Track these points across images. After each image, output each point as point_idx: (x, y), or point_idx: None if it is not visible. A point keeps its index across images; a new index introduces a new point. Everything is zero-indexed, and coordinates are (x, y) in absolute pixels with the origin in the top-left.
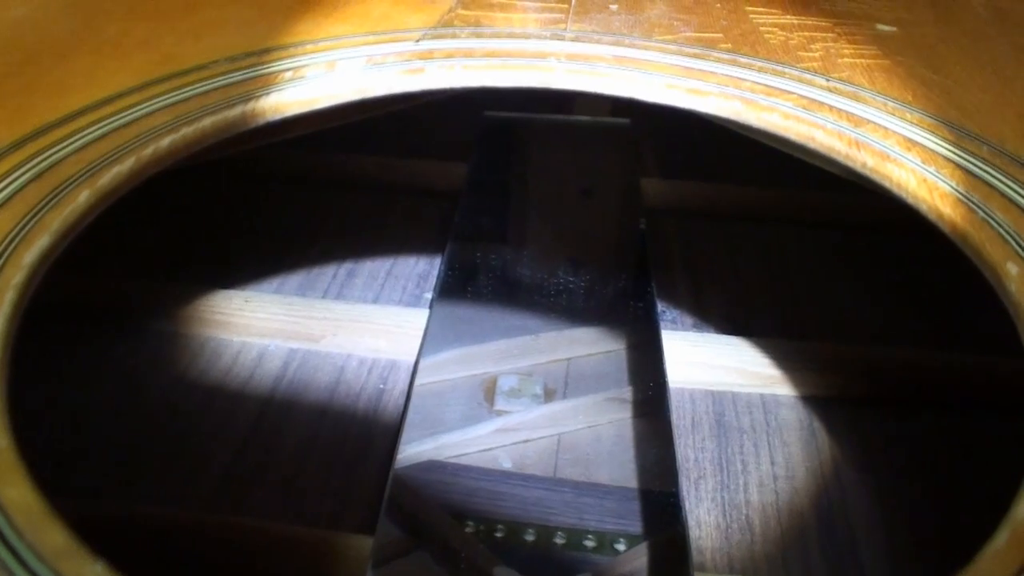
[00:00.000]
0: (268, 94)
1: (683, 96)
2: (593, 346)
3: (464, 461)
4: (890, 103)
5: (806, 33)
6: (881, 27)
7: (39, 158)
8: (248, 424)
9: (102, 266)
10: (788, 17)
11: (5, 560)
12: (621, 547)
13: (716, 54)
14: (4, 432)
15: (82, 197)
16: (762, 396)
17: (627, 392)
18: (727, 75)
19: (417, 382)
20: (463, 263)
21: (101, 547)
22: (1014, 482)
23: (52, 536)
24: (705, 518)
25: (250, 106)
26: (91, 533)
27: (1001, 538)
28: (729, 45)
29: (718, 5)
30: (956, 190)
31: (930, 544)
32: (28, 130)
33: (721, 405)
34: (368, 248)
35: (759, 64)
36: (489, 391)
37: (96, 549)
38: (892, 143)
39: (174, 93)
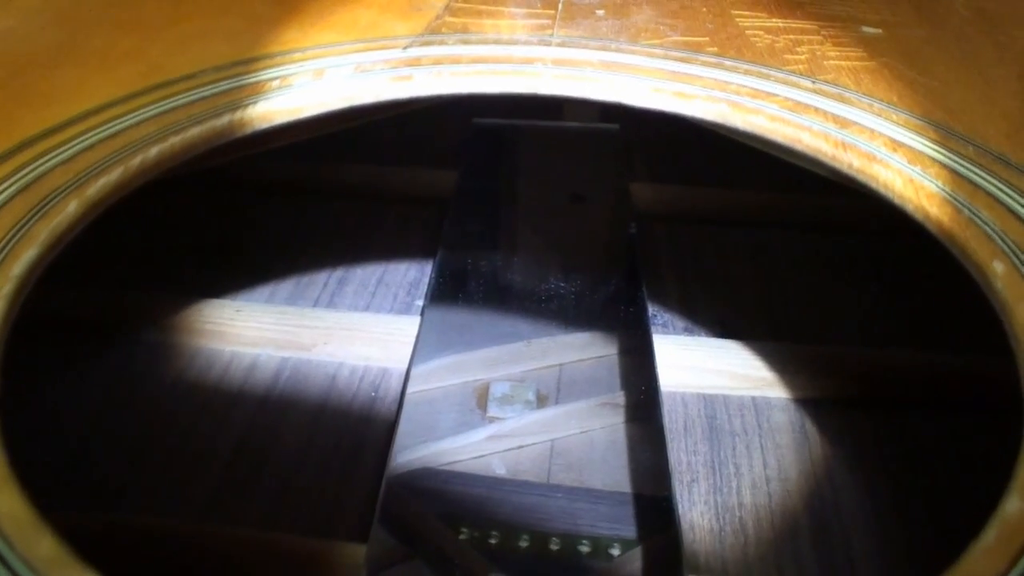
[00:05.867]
0: (255, 103)
1: (669, 100)
2: (585, 351)
3: (457, 468)
4: (876, 104)
5: (792, 36)
6: (866, 29)
7: (26, 170)
8: (240, 433)
9: (92, 278)
10: (774, 20)
11: None
12: (615, 552)
13: (702, 58)
14: None
15: (70, 208)
16: (754, 399)
17: (619, 397)
18: (713, 78)
19: (409, 389)
20: (454, 270)
21: (92, 557)
22: (1004, 480)
23: (42, 546)
24: (698, 521)
25: (237, 115)
26: (83, 543)
27: (989, 535)
28: (715, 49)
29: (704, 9)
30: (942, 190)
31: (922, 544)
32: (15, 142)
33: (713, 408)
34: (359, 256)
35: (745, 67)
36: (481, 398)
37: (87, 559)
38: (878, 144)
39: (161, 103)
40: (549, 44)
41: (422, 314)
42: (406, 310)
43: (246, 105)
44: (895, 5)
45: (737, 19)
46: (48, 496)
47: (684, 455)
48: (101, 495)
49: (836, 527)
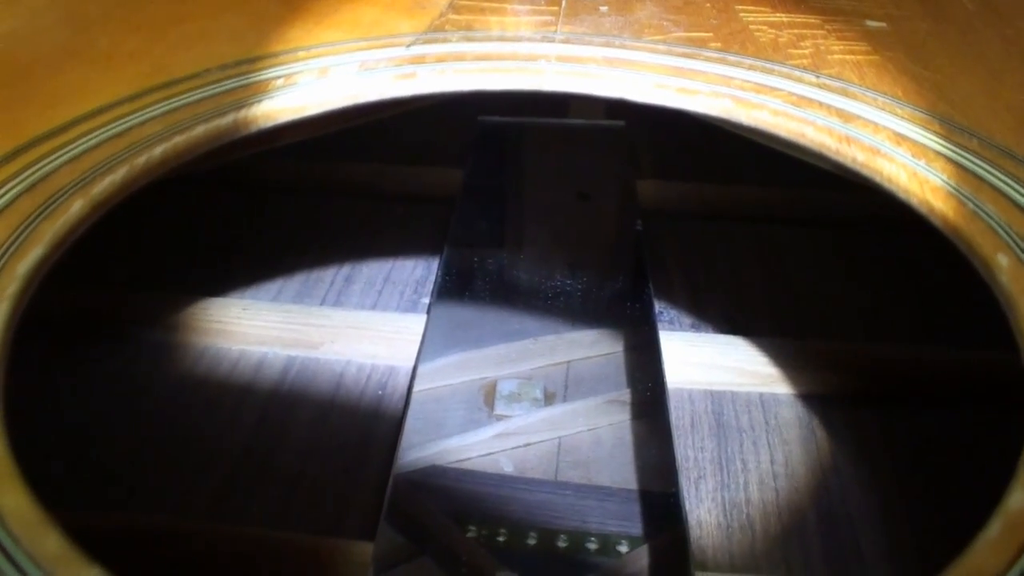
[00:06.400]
0: (260, 101)
1: (673, 95)
2: (592, 348)
3: (465, 466)
4: (880, 98)
5: (796, 30)
6: (871, 23)
7: (32, 169)
8: (247, 432)
9: (99, 277)
10: (778, 15)
11: (2, 568)
12: (623, 548)
13: (706, 53)
14: (0, 441)
15: (75, 207)
16: (760, 395)
17: (626, 394)
18: (717, 74)
19: (416, 387)
20: (460, 268)
21: (99, 555)
22: (1009, 474)
23: (49, 543)
24: (706, 517)
25: (242, 114)
26: (89, 541)
27: (993, 528)
28: (719, 44)
29: (708, 4)
30: (946, 183)
31: (930, 538)
32: (21, 141)
33: (720, 404)
34: (365, 254)
35: (749, 62)
36: (489, 395)
37: (94, 557)
38: (882, 138)
39: (166, 103)
40: (553, 41)
41: (429, 312)
42: (413, 308)
43: (251, 104)
44: None
45: (741, 14)
46: (55, 494)
47: (691, 451)
48: (108, 493)
49: (843, 522)
